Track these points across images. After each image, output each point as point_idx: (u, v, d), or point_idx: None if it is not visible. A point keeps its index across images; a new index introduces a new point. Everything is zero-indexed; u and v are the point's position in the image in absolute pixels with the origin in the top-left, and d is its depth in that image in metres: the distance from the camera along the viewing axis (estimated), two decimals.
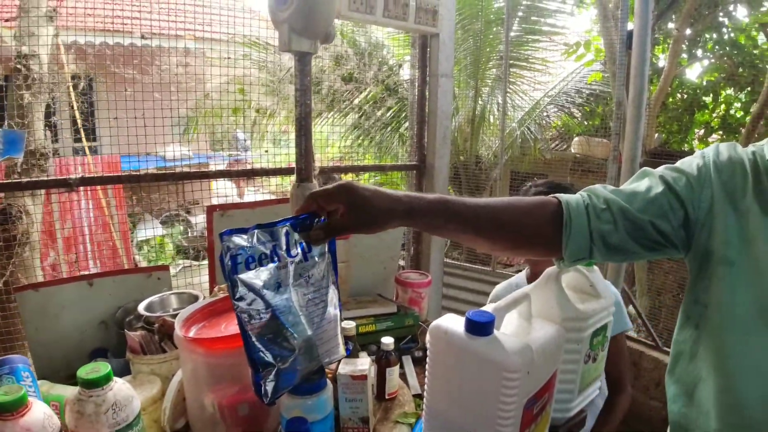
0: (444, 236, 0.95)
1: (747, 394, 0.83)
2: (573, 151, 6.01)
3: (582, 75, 6.38)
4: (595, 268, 1.18)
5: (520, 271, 1.92)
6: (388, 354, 1.19)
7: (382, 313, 1.62)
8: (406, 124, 6.10)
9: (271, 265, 0.87)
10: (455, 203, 0.91)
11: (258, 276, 0.86)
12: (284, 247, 0.89)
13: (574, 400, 1.13)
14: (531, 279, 1.74)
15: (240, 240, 0.85)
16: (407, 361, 1.47)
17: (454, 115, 6.33)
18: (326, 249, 0.97)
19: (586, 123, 6.37)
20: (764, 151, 0.90)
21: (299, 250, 0.91)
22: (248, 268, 0.85)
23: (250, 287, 0.85)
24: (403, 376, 1.40)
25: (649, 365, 3.10)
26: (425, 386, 0.98)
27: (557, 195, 0.95)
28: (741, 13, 5.56)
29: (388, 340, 1.20)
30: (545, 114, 6.47)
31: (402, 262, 2.55)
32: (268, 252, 0.87)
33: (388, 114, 6.08)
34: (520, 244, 0.96)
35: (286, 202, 1.63)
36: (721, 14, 5.53)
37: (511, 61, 6.24)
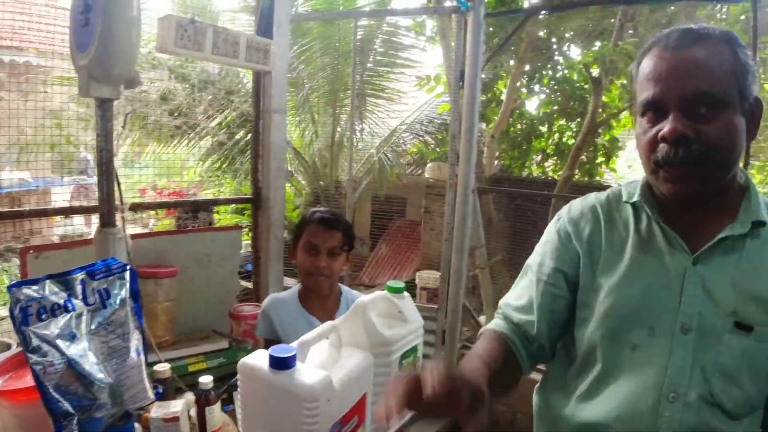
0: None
1: None
2: (427, 175, 6.36)
3: (434, 105, 6.81)
4: (406, 294, 1.29)
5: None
6: (206, 393, 1.20)
7: (213, 349, 1.62)
8: None
9: (66, 315, 0.85)
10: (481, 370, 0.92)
11: (50, 327, 0.84)
12: (80, 296, 0.87)
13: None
14: (302, 294, 1.76)
15: (30, 291, 0.83)
16: (237, 396, 1.46)
17: (313, 141, 6.45)
18: (127, 294, 0.97)
19: (437, 150, 6.80)
20: (620, 191, 1.08)
21: (97, 297, 0.90)
22: (40, 320, 0.83)
23: (43, 338, 0.83)
24: (233, 412, 1.40)
25: None
26: (239, 421, 1.01)
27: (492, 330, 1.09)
28: (575, 51, 6.29)
29: (206, 379, 1.20)
30: (401, 141, 6.81)
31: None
32: (61, 302, 0.85)
33: (247, 138, 6.02)
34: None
35: None
36: (556, 53, 6.22)
37: (369, 91, 6.53)
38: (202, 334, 1.76)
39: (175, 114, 5.19)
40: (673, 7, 4.16)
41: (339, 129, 6.39)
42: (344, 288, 1.86)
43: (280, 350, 0.96)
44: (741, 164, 0.98)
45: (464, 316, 3.40)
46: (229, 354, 1.61)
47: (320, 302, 1.75)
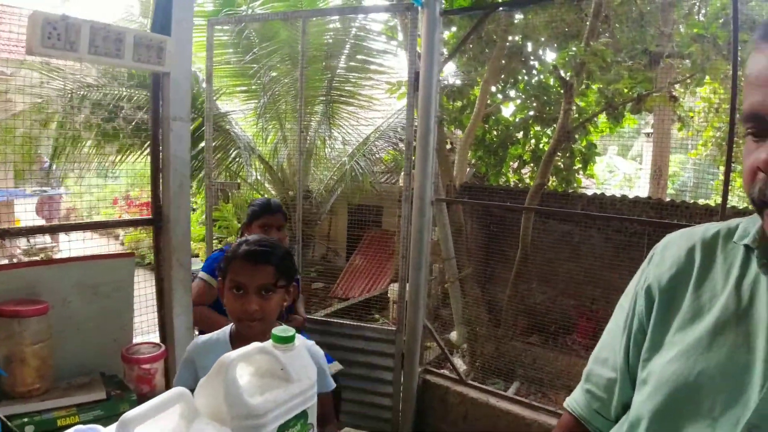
0: None
1: None
2: (401, 184, 6.14)
3: None
4: (298, 343, 1.04)
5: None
6: None
7: (90, 400, 1.35)
8: None
9: None
10: None
11: None
12: None
13: None
14: (235, 337, 1.53)
15: None
16: None
17: (281, 149, 6.20)
18: None
19: (413, 157, 6.57)
20: (738, 225, 0.80)
21: None
22: None
23: None
24: None
25: (455, 400, 3.12)
26: None
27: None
28: (551, 56, 6.12)
29: None
30: (375, 149, 6.59)
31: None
32: None
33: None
34: None
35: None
36: (531, 57, 6.05)
37: (343, 97, 6.31)
38: (85, 379, 1.50)
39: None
40: (639, 1, 3.97)
41: (309, 136, 6.15)
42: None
43: None
44: None
45: (428, 336, 3.16)
46: (107, 406, 1.36)
47: None
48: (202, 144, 5.37)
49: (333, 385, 1.62)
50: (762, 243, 0.73)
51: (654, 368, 0.78)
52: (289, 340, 1.02)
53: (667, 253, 0.85)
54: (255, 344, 1.00)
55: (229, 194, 6.75)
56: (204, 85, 4.09)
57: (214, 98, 5.72)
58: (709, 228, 0.84)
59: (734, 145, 2.46)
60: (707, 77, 4.76)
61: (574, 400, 0.96)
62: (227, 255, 1.51)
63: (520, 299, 4.23)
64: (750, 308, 0.72)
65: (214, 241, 7.95)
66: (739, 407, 0.68)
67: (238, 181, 6.07)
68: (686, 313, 0.77)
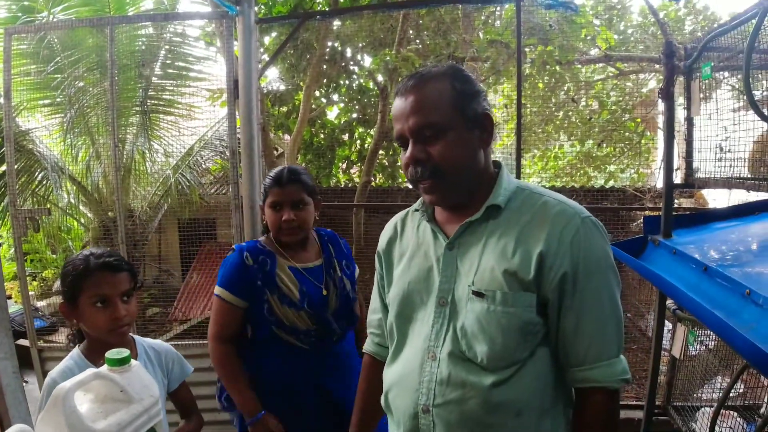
0: None
1: None
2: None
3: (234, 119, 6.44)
4: (134, 363, 1.02)
5: None
6: None
7: None
8: None
9: None
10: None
11: None
12: None
13: None
14: (89, 354, 1.49)
15: None
16: None
17: (94, 166, 5.69)
18: None
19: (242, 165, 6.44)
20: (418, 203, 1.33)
21: None
22: None
23: None
24: None
25: None
26: None
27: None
28: (369, 61, 6.41)
29: None
30: (201, 159, 6.32)
31: None
32: None
33: None
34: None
35: None
36: (351, 63, 6.28)
37: (161, 107, 5.94)
38: None
39: None
40: (442, 11, 4.37)
41: (126, 150, 5.71)
42: (135, 336, 1.63)
43: None
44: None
45: None
46: None
47: None
48: (4, 168, 4.73)
49: (190, 368, 1.70)
50: (424, 206, 1.27)
51: (390, 294, 1.31)
52: (124, 361, 1.00)
53: (385, 230, 1.41)
54: (90, 370, 0.97)
55: (39, 222, 6.01)
56: (2, 101, 3.62)
57: (14, 115, 5.05)
58: (407, 210, 1.39)
59: (522, 134, 2.83)
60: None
61: (366, 345, 1.47)
62: (74, 272, 1.45)
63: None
64: (424, 238, 1.27)
65: (27, 278, 7.05)
66: (432, 293, 1.20)
67: (48, 206, 5.43)
68: (397, 256, 1.33)
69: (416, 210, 1.32)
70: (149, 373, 1.34)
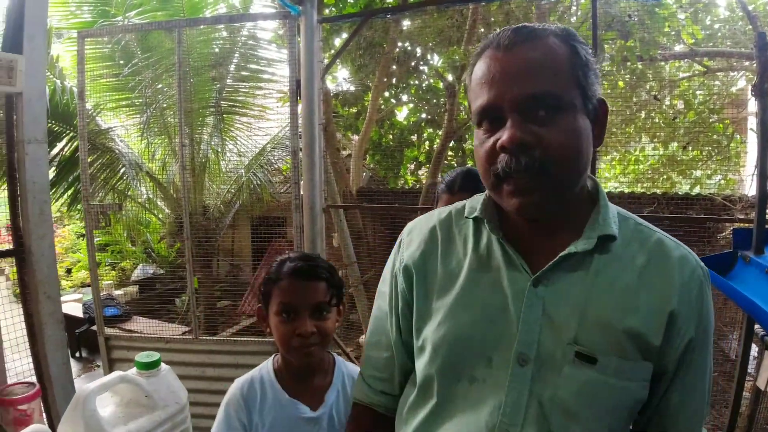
0: None
1: None
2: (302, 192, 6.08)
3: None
4: (163, 368, 1.00)
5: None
6: None
7: None
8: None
9: None
10: None
11: None
12: None
13: None
14: (282, 372, 1.32)
15: None
16: None
17: (171, 164, 5.95)
18: None
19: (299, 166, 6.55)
20: (464, 205, 0.98)
21: None
22: None
23: None
24: None
25: None
26: None
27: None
28: (437, 60, 6.33)
29: None
30: (273, 158, 6.47)
31: None
32: None
33: None
34: None
35: None
36: (421, 63, 6.22)
37: (234, 108, 6.14)
38: None
39: None
40: (513, 4, 4.21)
41: (201, 149, 5.94)
42: (338, 358, 1.41)
43: None
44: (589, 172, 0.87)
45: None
46: None
47: (305, 380, 1.31)
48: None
49: None
50: (488, 212, 0.92)
51: (427, 335, 0.90)
52: (154, 365, 0.98)
53: (413, 235, 1.00)
54: (116, 373, 0.95)
55: (110, 216, 6.36)
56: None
57: (96, 114, 5.37)
58: (442, 211, 1.01)
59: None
60: None
61: (359, 392, 1.06)
62: (268, 276, 1.32)
63: None
64: (490, 261, 0.89)
65: (106, 268, 7.47)
66: (505, 344, 0.83)
67: (121, 201, 5.73)
68: (441, 280, 0.92)
69: (467, 216, 0.95)
70: (340, 404, 1.27)
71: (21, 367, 1.94)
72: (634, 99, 5.71)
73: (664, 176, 6.55)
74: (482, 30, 4.92)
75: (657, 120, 5.83)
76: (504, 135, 0.78)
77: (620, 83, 5.60)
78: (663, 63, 5.83)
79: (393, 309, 1.00)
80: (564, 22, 5.98)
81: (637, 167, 7.18)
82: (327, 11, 4.88)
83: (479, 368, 0.85)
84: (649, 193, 5.93)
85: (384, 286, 1.03)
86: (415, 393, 0.93)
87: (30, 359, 1.95)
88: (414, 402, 0.93)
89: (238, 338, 3.04)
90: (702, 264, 0.87)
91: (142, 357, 0.97)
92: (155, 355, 0.98)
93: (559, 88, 0.78)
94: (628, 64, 4.85)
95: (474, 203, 0.95)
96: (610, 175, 7.03)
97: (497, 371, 0.83)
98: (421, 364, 0.92)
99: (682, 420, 0.87)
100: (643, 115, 5.82)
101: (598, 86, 0.84)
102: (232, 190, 6.15)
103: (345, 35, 5.40)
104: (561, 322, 0.81)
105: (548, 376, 0.80)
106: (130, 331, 4.09)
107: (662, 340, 0.80)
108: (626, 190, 5.95)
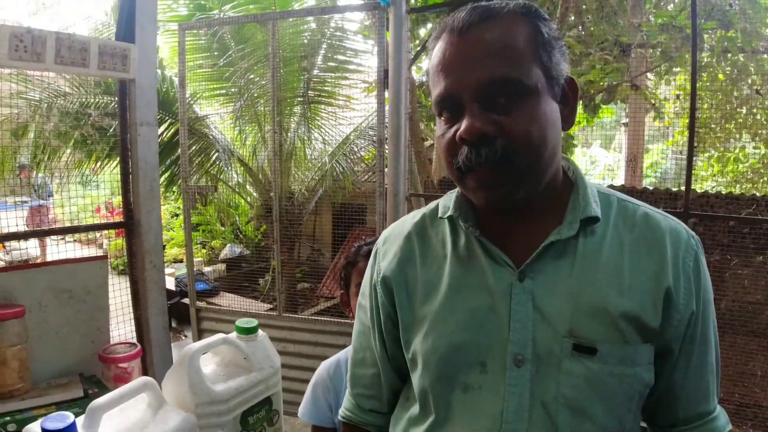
0: None
1: None
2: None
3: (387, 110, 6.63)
4: (260, 334, 1.09)
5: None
6: None
7: (66, 399, 1.39)
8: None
9: None
10: None
11: None
12: None
13: None
14: None
15: None
16: None
17: (260, 150, 6.23)
18: None
19: (385, 154, 6.62)
20: (437, 205, 0.92)
21: None
22: None
23: None
24: None
25: None
26: None
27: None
28: None
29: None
30: (355, 147, 6.61)
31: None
32: None
33: None
34: None
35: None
36: None
37: (321, 97, 6.34)
38: (64, 380, 1.54)
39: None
40: None
41: (288, 137, 6.18)
42: None
43: (53, 420, 0.76)
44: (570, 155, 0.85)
45: None
46: (85, 404, 1.39)
47: None
48: (179, 151, 5.40)
49: None
50: (462, 209, 0.86)
51: (416, 347, 0.85)
52: (252, 330, 1.07)
53: (388, 245, 0.95)
54: (219, 335, 1.05)
55: (206, 197, 6.76)
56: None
57: (193, 102, 5.73)
58: (415, 215, 0.96)
59: (696, 132, 2.52)
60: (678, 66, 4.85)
61: (346, 410, 1.01)
62: (347, 260, 1.34)
63: None
64: (471, 261, 0.84)
65: (198, 246, 7.94)
66: (498, 346, 0.78)
67: (214, 184, 6.09)
68: (423, 288, 0.86)
69: (441, 217, 0.89)
70: None
71: (119, 332, 2.14)
72: (735, 93, 5.31)
73: (765, 177, 6.07)
74: (572, 18, 4.77)
75: (759, 117, 5.40)
76: (462, 125, 0.74)
77: (720, 76, 5.24)
78: (766, 56, 5.39)
79: (375, 323, 0.94)
80: (660, 10, 5.67)
81: (736, 167, 6.69)
82: (413, 1, 4.91)
83: (472, 375, 0.80)
84: (748, 194, 5.53)
85: (364, 300, 0.98)
86: (416, 407, 0.89)
87: (127, 325, 2.16)
88: (415, 417, 0.89)
89: (319, 317, 3.17)
90: (693, 233, 0.82)
91: (242, 323, 1.06)
92: (254, 322, 1.07)
93: (520, 72, 0.73)
94: (729, 55, 4.52)
95: (447, 201, 0.89)
96: (707, 173, 6.61)
97: (492, 376, 0.78)
98: (415, 378, 0.87)
99: (684, 397, 0.82)
100: (744, 111, 5.41)
101: (566, 64, 0.79)
102: (316, 177, 6.36)
103: (430, 26, 5.41)
104: (554, 315, 0.77)
105: (548, 375, 0.76)
106: (217, 305, 4.35)
107: (661, 319, 0.77)
108: (723, 191, 5.57)
